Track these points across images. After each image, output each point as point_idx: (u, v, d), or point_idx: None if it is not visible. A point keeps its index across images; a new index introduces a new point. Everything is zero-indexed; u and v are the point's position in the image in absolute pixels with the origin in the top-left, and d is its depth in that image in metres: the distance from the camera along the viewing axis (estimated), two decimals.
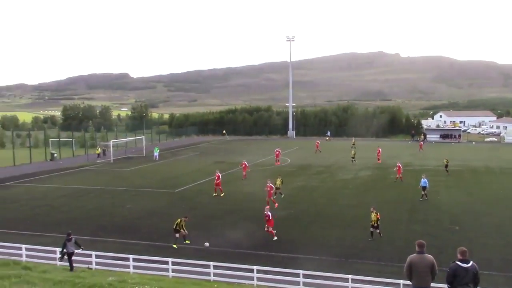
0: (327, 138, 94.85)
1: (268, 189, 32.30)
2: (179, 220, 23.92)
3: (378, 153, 56.68)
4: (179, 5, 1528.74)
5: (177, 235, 23.69)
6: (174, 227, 23.75)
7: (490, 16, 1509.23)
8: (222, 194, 35.95)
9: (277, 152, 55.93)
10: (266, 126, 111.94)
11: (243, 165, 44.98)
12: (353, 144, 72.69)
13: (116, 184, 42.39)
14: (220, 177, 36.72)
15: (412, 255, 12.12)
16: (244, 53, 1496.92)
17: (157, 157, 61.51)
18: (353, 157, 56.22)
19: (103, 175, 48.60)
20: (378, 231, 23.99)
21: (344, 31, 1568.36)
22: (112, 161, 59.20)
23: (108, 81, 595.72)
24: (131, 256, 19.84)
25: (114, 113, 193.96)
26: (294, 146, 77.48)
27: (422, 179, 34.47)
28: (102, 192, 38.82)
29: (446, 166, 47.11)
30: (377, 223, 23.92)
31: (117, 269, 19.66)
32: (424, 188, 34.18)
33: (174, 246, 23.32)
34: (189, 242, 23.77)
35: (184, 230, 23.82)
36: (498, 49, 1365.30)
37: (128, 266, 19.77)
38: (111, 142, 64.59)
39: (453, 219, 28.46)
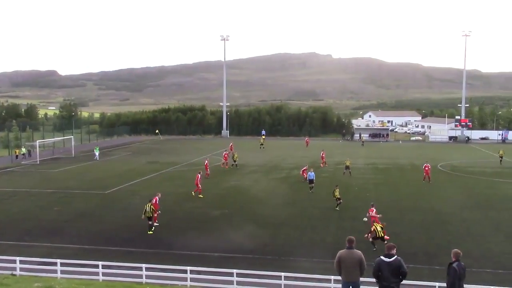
0: (263, 137, 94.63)
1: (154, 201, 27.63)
2: (147, 206, 25.46)
3: (323, 155, 54.23)
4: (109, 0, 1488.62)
5: (150, 222, 25.52)
6: (149, 215, 25.34)
7: (416, 20, 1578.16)
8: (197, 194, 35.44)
9: (225, 154, 53.17)
10: (200, 125, 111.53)
11: (206, 164, 45.22)
12: (262, 144, 74.27)
13: (43, 186, 40.66)
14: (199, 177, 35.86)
15: (342, 250, 12.49)
16: (178, 52, 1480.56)
17: (98, 156, 59.78)
18: (234, 161, 52.20)
19: (29, 177, 46.51)
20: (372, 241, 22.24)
21: (278, 31, 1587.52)
22: (38, 162, 56.75)
23: (35, 78, 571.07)
24: (58, 261, 19.07)
25: (41, 112, 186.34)
26: (228, 146, 77.44)
27: (310, 172, 37.67)
28: (28, 194, 37.12)
29: (347, 167, 46.64)
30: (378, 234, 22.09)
31: (44, 274, 18.83)
32: (311, 181, 37.13)
33: (150, 232, 25.30)
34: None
35: (156, 211, 26.19)
36: (423, 52, 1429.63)
37: (55, 271, 19.00)
38: (38, 142, 62.19)
39: (381, 215, 29.43)
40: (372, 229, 22.64)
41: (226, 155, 52.40)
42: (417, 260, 20.68)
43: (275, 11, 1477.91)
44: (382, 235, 22.13)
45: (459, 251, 12.64)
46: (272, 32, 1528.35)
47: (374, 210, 25.74)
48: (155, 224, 26.46)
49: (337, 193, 31.51)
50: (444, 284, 16.35)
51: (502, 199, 35.28)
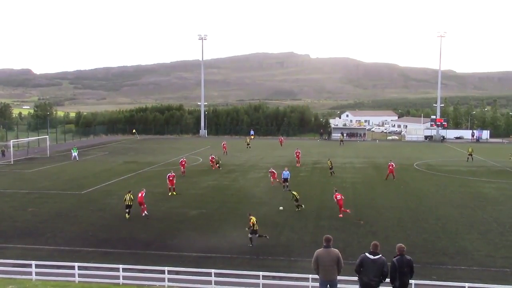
0: (252, 137, 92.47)
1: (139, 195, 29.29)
2: (127, 195, 28.02)
3: (298, 154, 54.20)
4: None
5: (128, 210, 27.81)
6: (128, 203, 27.76)
7: (393, 21, 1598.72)
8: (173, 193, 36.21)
9: (211, 158, 51.83)
10: (177, 125, 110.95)
11: (182, 162, 46.16)
12: (248, 144, 73.22)
13: (17, 187, 39.95)
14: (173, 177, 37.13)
15: (319, 249, 12.55)
16: (155, 51, 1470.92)
17: (76, 157, 58.85)
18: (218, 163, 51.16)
19: (3, 177, 45.61)
20: (257, 235, 23.01)
21: (256, 31, 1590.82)
22: (12, 162, 55.74)
23: (8, 77, 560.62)
24: (33, 262, 18.76)
25: (15, 112, 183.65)
26: (206, 145, 77.37)
27: (284, 171, 38.35)
28: (2, 195, 36.38)
29: (331, 168, 46.52)
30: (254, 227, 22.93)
31: (19, 276, 18.51)
32: (285, 179, 37.90)
33: (127, 216, 27.86)
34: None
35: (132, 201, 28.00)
36: (399, 52, 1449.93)
37: (30, 273, 18.68)
38: (11, 142, 61.19)
39: (358, 213, 29.70)
40: (250, 223, 23.11)
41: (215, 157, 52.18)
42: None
43: (253, 11, 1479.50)
44: (257, 228, 22.96)
45: (402, 245, 12.78)
46: (250, 32, 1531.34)
47: (340, 195, 28.66)
48: (145, 213, 28.72)
49: (295, 194, 30.73)
50: (419, 282, 16.67)
51: (475, 197, 35.89)
